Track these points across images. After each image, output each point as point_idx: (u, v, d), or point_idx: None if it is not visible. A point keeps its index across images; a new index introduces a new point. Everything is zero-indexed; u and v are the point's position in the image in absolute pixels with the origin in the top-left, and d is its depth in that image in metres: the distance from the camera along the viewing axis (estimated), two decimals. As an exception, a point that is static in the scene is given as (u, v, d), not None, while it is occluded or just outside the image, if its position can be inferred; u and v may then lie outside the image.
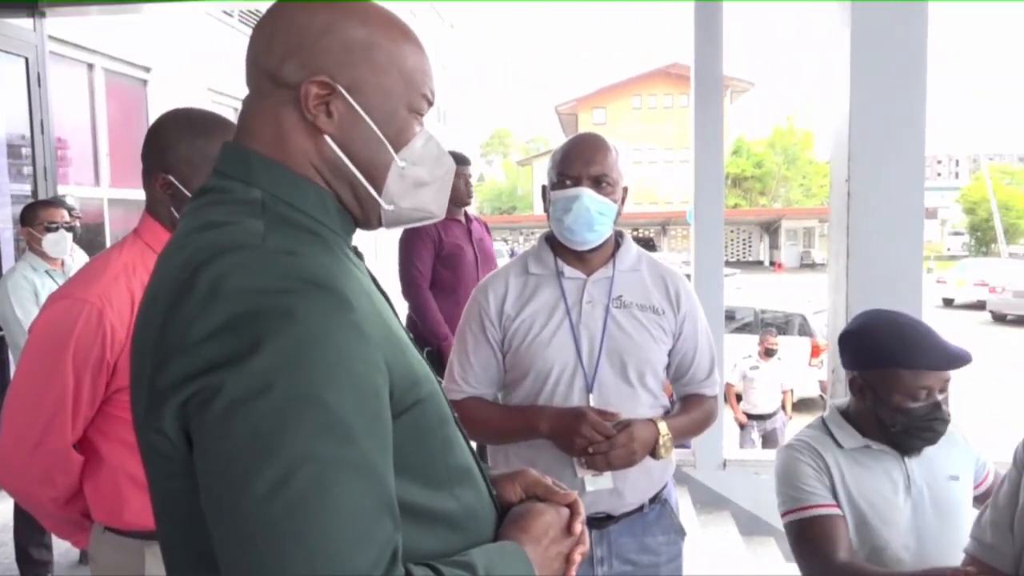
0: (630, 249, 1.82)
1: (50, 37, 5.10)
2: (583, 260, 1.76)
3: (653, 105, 43.63)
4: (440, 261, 3.90)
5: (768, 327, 8.88)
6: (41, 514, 1.58)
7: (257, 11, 9.78)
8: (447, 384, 1.79)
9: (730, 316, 11.69)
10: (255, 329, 0.72)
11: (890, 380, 1.63)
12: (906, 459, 1.70)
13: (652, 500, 1.78)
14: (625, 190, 1.78)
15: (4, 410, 1.45)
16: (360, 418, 0.74)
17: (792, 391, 7.44)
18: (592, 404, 1.67)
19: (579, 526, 0.99)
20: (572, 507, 1.01)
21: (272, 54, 0.87)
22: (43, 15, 4.89)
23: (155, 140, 1.53)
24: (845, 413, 1.77)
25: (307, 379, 0.71)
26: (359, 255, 0.96)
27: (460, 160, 4.14)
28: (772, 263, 36.37)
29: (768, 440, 7.09)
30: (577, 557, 0.97)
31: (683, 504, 4.63)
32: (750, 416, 7.16)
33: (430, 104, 0.95)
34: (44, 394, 1.42)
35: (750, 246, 38.82)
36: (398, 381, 0.81)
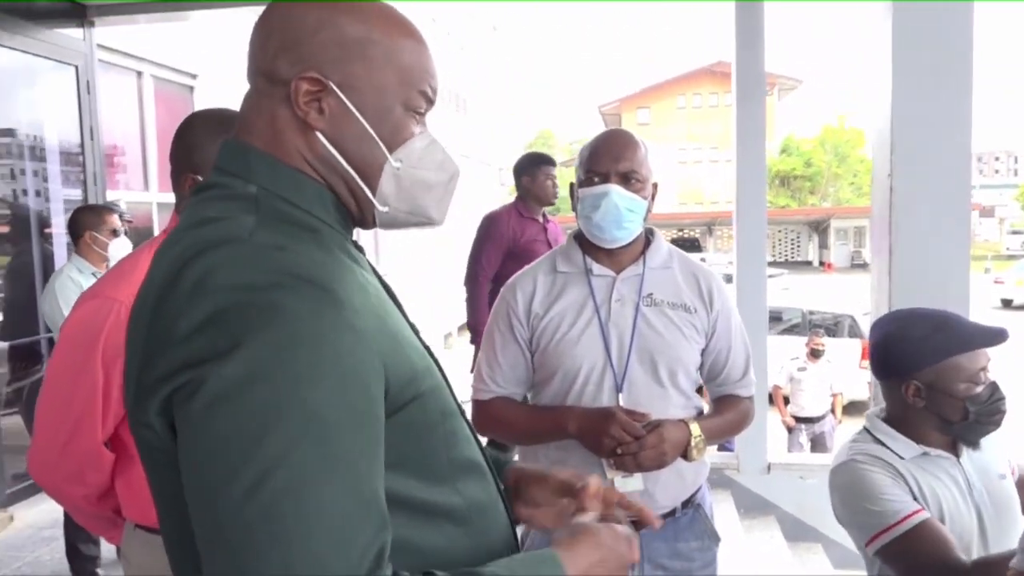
0: (661, 246, 1.78)
1: (99, 46, 5.24)
2: (613, 257, 1.73)
3: (698, 104, 43.15)
4: (512, 258, 3.93)
5: (816, 328, 8.70)
6: (74, 511, 1.61)
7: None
8: (475, 383, 1.78)
9: (776, 317, 11.51)
10: (239, 325, 0.71)
11: (950, 371, 1.58)
12: (962, 461, 1.63)
13: (685, 504, 1.74)
14: (655, 187, 1.74)
15: (36, 408, 1.47)
16: (343, 416, 0.73)
17: (842, 394, 7.26)
18: (622, 404, 1.64)
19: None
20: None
21: (267, 51, 0.87)
22: (92, 24, 5.02)
23: (183, 140, 1.53)
24: (891, 422, 1.70)
25: (289, 377, 0.71)
26: (359, 248, 0.94)
27: (546, 160, 4.24)
28: (821, 263, 35.64)
29: (817, 444, 6.94)
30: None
31: (726, 508, 4.54)
32: (798, 419, 7.02)
33: (430, 102, 0.93)
34: (74, 392, 1.43)
35: (799, 246, 38.10)
36: (394, 377, 0.80)
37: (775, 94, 42.46)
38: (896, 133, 2.11)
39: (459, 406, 0.97)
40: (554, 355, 1.69)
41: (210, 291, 0.73)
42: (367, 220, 0.94)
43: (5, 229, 5.02)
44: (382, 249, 11.32)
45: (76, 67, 4.95)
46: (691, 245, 28.83)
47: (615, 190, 1.64)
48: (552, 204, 4.20)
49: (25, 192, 5.11)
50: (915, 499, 1.57)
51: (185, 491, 0.73)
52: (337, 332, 0.74)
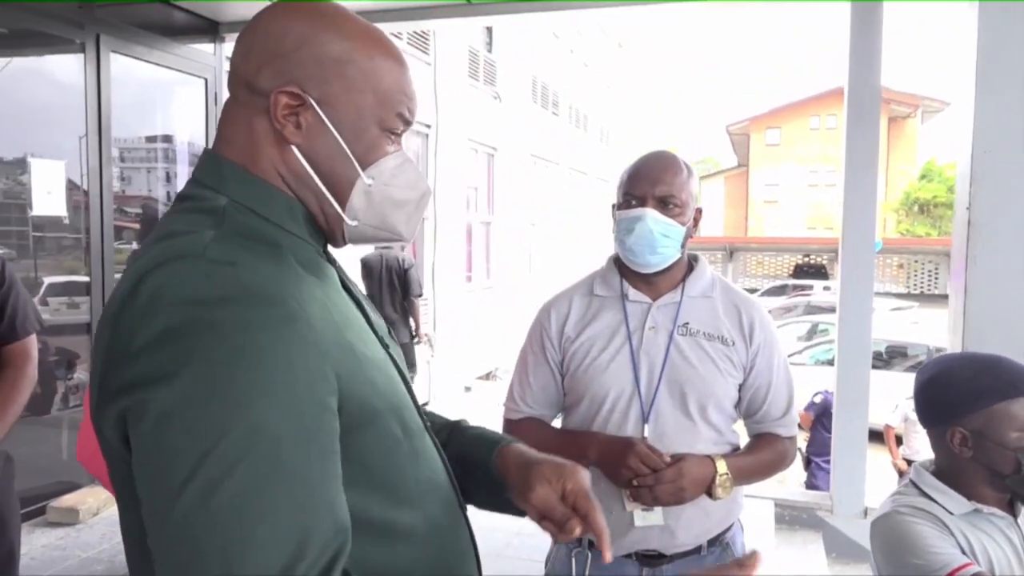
0: (703, 274, 1.72)
1: (228, 58, 5.60)
2: (650, 284, 1.69)
3: (832, 126, 41.34)
4: None
5: (939, 366, 8.11)
6: None
7: (426, 34, 10.27)
8: (507, 403, 1.77)
9: (901, 353, 10.86)
10: (187, 341, 0.73)
11: (999, 418, 1.45)
12: (1020, 522, 1.50)
13: (712, 542, 1.66)
14: (699, 211, 1.69)
15: (85, 396, 1.58)
16: (291, 428, 0.74)
17: (962, 439, 6.73)
18: (647, 435, 1.59)
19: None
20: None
21: (249, 62, 0.89)
22: (223, 40, 5.38)
23: None
24: (940, 475, 1.57)
25: (234, 392, 0.72)
26: (331, 262, 0.96)
27: None
28: (962, 297, 33.15)
29: (930, 491, 6.47)
30: None
31: (814, 552, 4.32)
32: (911, 463, 6.57)
33: (407, 123, 0.95)
34: None
35: (936, 278, 35.69)
36: (352, 392, 0.81)
37: (918, 116, 40.08)
38: (976, 163, 1.95)
39: (426, 425, 0.97)
40: (582, 380, 1.66)
41: (161, 307, 0.75)
42: (336, 235, 0.96)
43: (137, 226, 5.44)
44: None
45: (206, 80, 5.31)
46: (816, 272, 27.57)
47: (650, 214, 1.60)
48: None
49: (155, 192, 5.54)
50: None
51: (141, 503, 0.75)
52: (285, 345, 0.75)
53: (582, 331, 1.68)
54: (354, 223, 0.94)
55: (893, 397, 6.91)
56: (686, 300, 1.67)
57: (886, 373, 9.57)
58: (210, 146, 0.93)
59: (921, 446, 6.52)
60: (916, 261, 34.52)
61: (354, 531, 0.79)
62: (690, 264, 1.74)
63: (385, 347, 0.95)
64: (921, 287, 33.80)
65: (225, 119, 0.92)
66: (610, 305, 1.70)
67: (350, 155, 0.90)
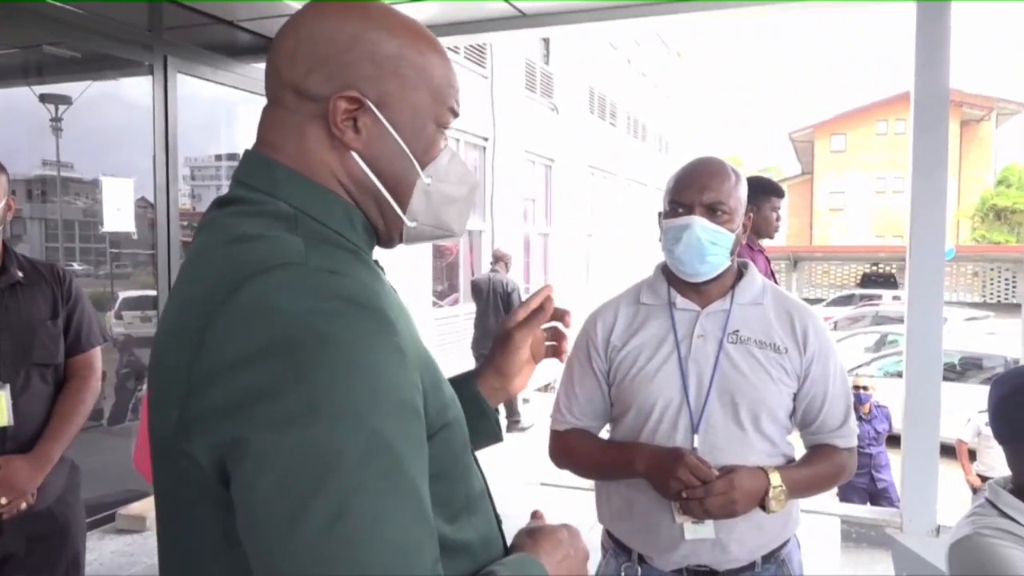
0: (754, 281, 1.67)
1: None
2: (699, 292, 1.65)
3: (900, 131, 40.11)
4: None
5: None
6: None
7: (483, 47, 10.36)
8: (554, 413, 1.75)
9: (976, 364, 10.44)
10: (300, 353, 0.69)
11: None
12: None
13: (767, 558, 1.61)
14: (749, 218, 1.65)
15: (143, 404, 1.63)
16: (406, 443, 0.72)
17: (1042, 455, 6.41)
18: (697, 445, 1.55)
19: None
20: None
21: (296, 66, 0.84)
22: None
23: None
24: (1018, 494, 1.48)
25: (352, 405, 0.69)
26: (380, 268, 0.94)
27: (774, 190, 4.00)
28: (1043, 306, 31.74)
29: (1007, 509, 6.17)
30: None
31: (882, 571, 4.16)
32: (984, 479, 6.29)
33: (456, 116, 0.93)
34: None
35: (1015, 287, 34.19)
36: (431, 402, 0.80)
37: (992, 119, 38.58)
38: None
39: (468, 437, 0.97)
40: (629, 390, 1.63)
41: (269, 316, 0.71)
42: (393, 238, 0.93)
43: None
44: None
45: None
46: (885, 281, 26.73)
47: (698, 222, 1.56)
48: (771, 238, 3.96)
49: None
50: None
51: (245, 532, 0.69)
52: (392, 357, 0.73)
53: (628, 340, 1.66)
54: (413, 224, 0.92)
55: (967, 411, 6.62)
56: (736, 307, 1.63)
57: (960, 386, 9.19)
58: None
59: (996, 462, 6.23)
60: (992, 269, 33.14)
61: None
62: (740, 271, 1.70)
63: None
64: (998, 296, 32.42)
65: (268, 124, 0.88)
66: (657, 313, 1.67)
67: (410, 156, 0.88)
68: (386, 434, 0.69)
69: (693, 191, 1.59)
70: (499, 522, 0.97)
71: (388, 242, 0.95)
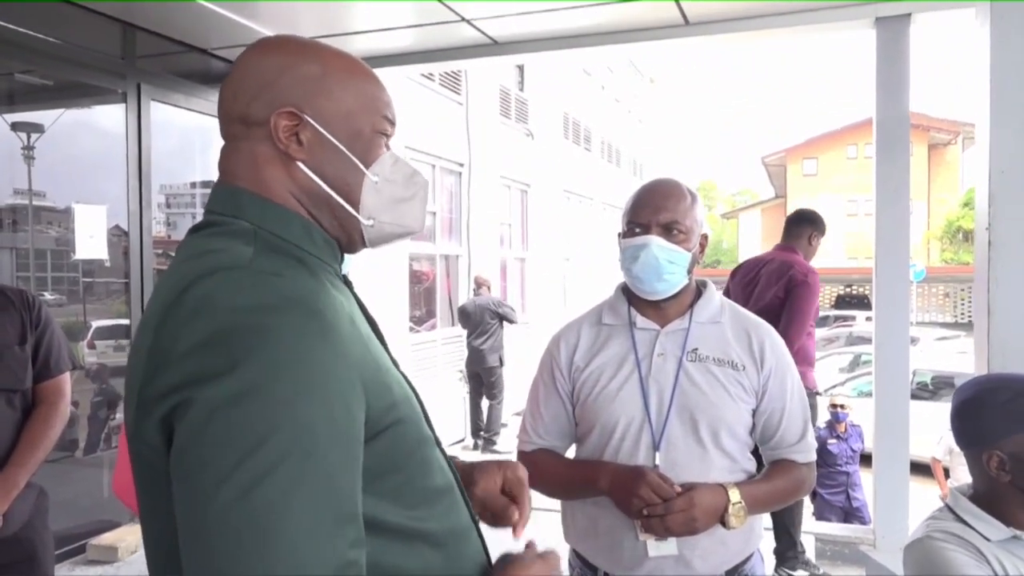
0: (712, 300, 1.72)
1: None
2: (658, 310, 1.69)
3: (870, 155, 40.75)
4: None
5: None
6: None
7: (458, 74, 10.46)
8: (520, 435, 1.78)
9: (948, 383, 10.58)
10: (237, 344, 0.76)
11: None
12: None
13: (731, 572, 1.64)
14: (705, 237, 1.69)
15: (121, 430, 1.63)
16: (329, 433, 0.78)
17: (1011, 471, 6.50)
18: (659, 463, 1.58)
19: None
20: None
21: (238, 99, 0.95)
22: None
23: None
24: (977, 500, 1.54)
25: (281, 393, 0.76)
26: (347, 283, 1.01)
27: (818, 225, 4.61)
28: (1013, 326, 32.19)
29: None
30: None
31: (856, 587, 4.19)
32: (958, 496, 6.36)
33: (393, 124, 1.01)
34: None
35: (986, 306, 34.70)
36: (374, 402, 0.85)
37: (959, 144, 39.40)
38: (994, 182, 1.92)
39: (435, 436, 1.01)
40: (592, 409, 1.66)
41: (210, 312, 0.79)
42: (355, 241, 1.01)
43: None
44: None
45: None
46: (859, 302, 27.03)
47: (655, 241, 1.61)
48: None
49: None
50: None
51: (175, 500, 0.77)
52: (325, 353, 0.80)
53: (591, 360, 1.69)
54: (370, 222, 0.99)
55: (940, 429, 6.72)
56: (695, 326, 1.67)
57: (932, 404, 9.32)
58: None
59: (968, 477, 6.31)
60: (963, 290, 33.67)
61: (375, 536, 0.84)
62: (698, 290, 1.74)
63: (395, 363, 1.00)
64: (968, 316, 32.89)
65: (225, 156, 0.98)
66: (618, 333, 1.70)
67: (352, 157, 0.96)
68: (312, 422, 0.76)
69: (649, 211, 1.63)
70: (475, 518, 1.03)
71: (351, 246, 1.02)
